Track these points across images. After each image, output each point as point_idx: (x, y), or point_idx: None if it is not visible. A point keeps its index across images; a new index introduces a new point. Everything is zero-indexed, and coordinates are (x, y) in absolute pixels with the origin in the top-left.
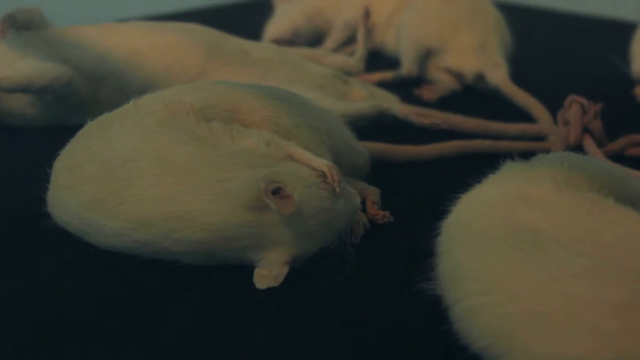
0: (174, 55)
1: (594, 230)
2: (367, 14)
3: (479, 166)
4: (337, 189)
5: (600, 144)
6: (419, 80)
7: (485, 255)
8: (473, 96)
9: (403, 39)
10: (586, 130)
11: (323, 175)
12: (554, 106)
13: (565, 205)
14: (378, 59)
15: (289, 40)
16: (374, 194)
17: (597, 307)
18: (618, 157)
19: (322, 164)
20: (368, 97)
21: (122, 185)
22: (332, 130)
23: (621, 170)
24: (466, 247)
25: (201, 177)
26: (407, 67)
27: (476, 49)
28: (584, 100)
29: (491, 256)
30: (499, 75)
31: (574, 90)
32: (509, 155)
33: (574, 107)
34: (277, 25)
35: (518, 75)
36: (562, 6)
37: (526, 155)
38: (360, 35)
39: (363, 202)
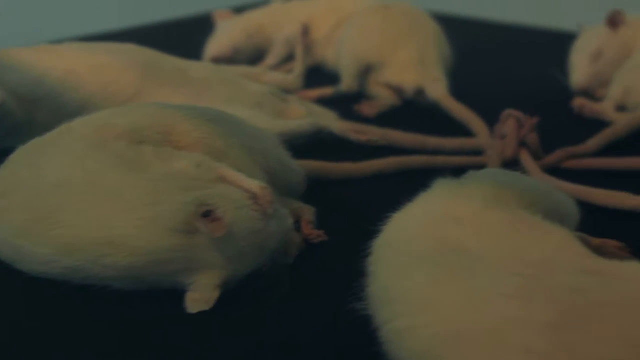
0: (110, 76)
1: (522, 248)
2: (305, 31)
3: (416, 182)
4: (269, 210)
5: (536, 158)
6: (360, 95)
7: (412, 275)
8: (413, 111)
9: (343, 55)
10: (522, 144)
11: (255, 197)
12: (494, 120)
13: (493, 223)
14: (319, 75)
15: (230, 58)
16: (309, 213)
17: (526, 327)
18: (554, 170)
19: (254, 185)
20: (306, 114)
21: (52, 211)
22: (266, 150)
23: (550, 186)
24: (394, 268)
25: (131, 202)
26: (347, 83)
27: (416, 64)
28: (520, 114)
29: (419, 277)
30: (438, 90)
31: (514, 102)
32: (446, 171)
33: (510, 121)
34: (218, 42)
35: (459, 89)
36: (502, 18)
37: (464, 169)
38: (299, 53)
39: (298, 222)
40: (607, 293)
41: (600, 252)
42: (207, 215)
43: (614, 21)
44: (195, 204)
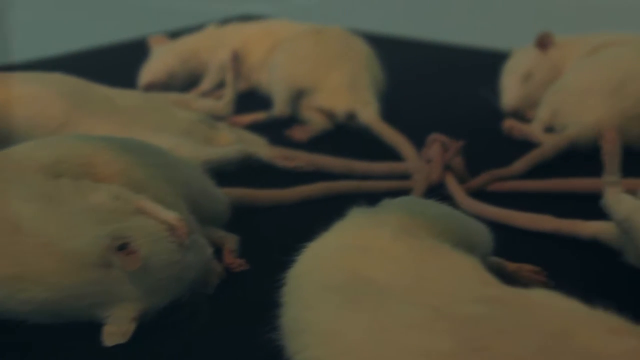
0: (37, 106)
1: (427, 278)
2: (235, 58)
3: (343, 207)
4: (186, 242)
5: (462, 181)
6: (293, 120)
7: (320, 306)
8: (345, 135)
9: (275, 80)
10: (448, 167)
11: (172, 228)
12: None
13: (400, 253)
14: (254, 100)
15: (165, 83)
16: (232, 241)
17: (426, 358)
18: (480, 193)
19: (171, 217)
20: (236, 141)
21: None
22: (188, 180)
23: (462, 214)
24: (304, 299)
25: (46, 236)
26: (280, 107)
27: (347, 88)
28: (444, 139)
29: (326, 308)
30: (369, 114)
31: (446, 124)
32: (375, 195)
33: (435, 145)
34: (152, 68)
35: (392, 111)
36: (434, 37)
37: (392, 194)
38: (229, 79)
39: (221, 250)
40: (507, 321)
41: (516, 276)
42: (122, 248)
43: (543, 43)
44: (110, 238)
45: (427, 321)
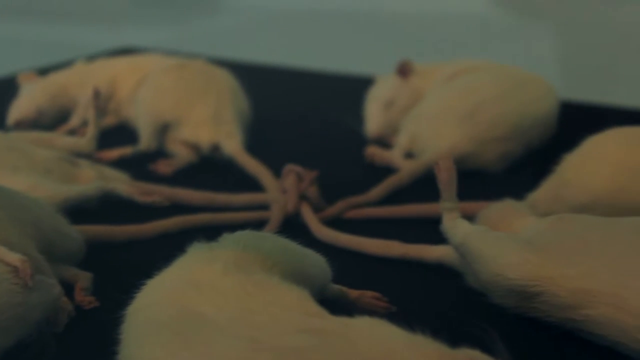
0: None
1: (252, 311)
2: (96, 94)
3: (202, 240)
4: (30, 283)
5: (318, 210)
6: (160, 154)
7: (151, 343)
8: (210, 167)
9: (139, 115)
10: (303, 197)
11: (15, 270)
12: None
13: (229, 288)
14: (125, 134)
15: (34, 120)
16: (84, 279)
17: None
18: (336, 221)
19: (14, 258)
20: (96, 178)
21: None
22: (39, 220)
23: (297, 246)
24: (137, 336)
25: None
26: (145, 142)
27: (211, 121)
28: (299, 169)
29: (156, 344)
30: (232, 145)
31: (310, 152)
32: (232, 227)
33: (291, 176)
34: (21, 105)
35: (259, 141)
36: (302, 64)
37: (250, 225)
38: (91, 116)
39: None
40: (327, 352)
41: (358, 303)
42: None
43: (404, 70)
44: None
45: (249, 353)
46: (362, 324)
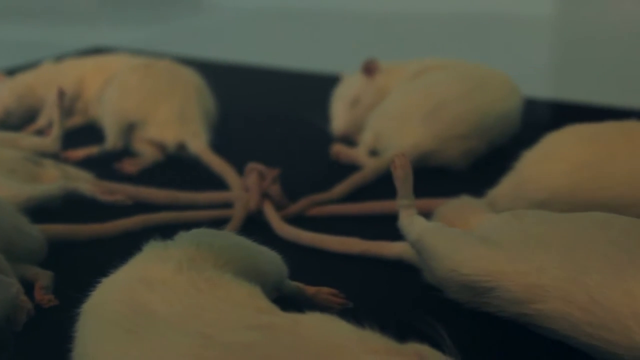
0: None
1: (203, 308)
2: (61, 94)
3: (164, 239)
4: None
5: (281, 207)
6: (127, 153)
7: (102, 340)
8: (176, 165)
9: (105, 114)
10: (266, 195)
11: None
12: None
13: (181, 285)
14: (93, 134)
15: (1, 120)
16: (44, 278)
17: None
18: (299, 218)
19: None
20: (60, 177)
21: None
22: None
23: (251, 243)
24: (89, 333)
25: None
26: (111, 141)
27: (176, 120)
28: (261, 167)
29: (108, 342)
30: (198, 144)
31: (276, 151)
32: (195, 225)
33: (253, 174)
34: None
35: (227, 139)
36: (268, 62)
37: (213, 223)
38: (55, 116)
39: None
40: (276, 347)
41: (315, 299)
42: None
43: (369, 68)
44: None
45: (198, 349)
46: (312, 319)
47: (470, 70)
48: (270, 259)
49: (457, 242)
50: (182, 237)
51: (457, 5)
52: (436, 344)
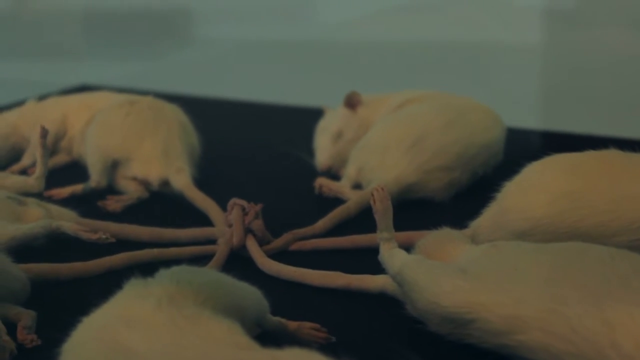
0: None
1: (182, 346)
2: (44, 133)
3: (147, 276)
4: None
5: (264, 242)
6: (111, 190)
7: None
8: (160, 201)
9: (89, 152)
10: (249, 230)
11: None
12: None
13: (161, 323)
14: (77, 172)
15: None
16: (27, 317)
17: None
18: (282, 252)
19: None
20: (44, 216)
21: None
22: None
23: (231, 280)
24: None
25: None
26: (95, 179)
27: (160, 156)
28: (244, 203)
29: None
30: (181, 180)
31: (260, 185)
32: (177, 263)
33: (235, 209)
34: None
35: (211, 174)
36: (250, 96)
37: (197, 259)
38: (39, 155)
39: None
40: None
41: (297, 335)
42: None
43: (351, 101)
44: None
45: None
46: (290, 355)
47: (453, 101)
48: (251, 295)
49: (436, 274)
50: (163, 274)
51: (443, 35)
52: None
